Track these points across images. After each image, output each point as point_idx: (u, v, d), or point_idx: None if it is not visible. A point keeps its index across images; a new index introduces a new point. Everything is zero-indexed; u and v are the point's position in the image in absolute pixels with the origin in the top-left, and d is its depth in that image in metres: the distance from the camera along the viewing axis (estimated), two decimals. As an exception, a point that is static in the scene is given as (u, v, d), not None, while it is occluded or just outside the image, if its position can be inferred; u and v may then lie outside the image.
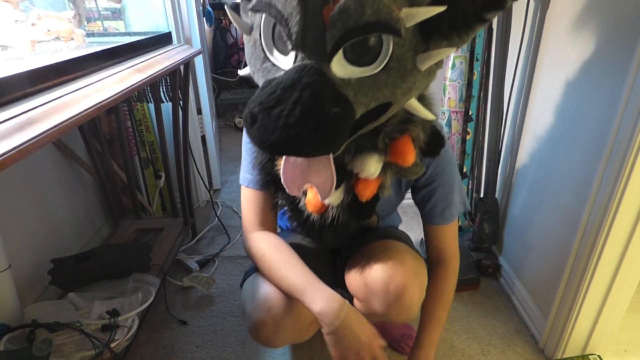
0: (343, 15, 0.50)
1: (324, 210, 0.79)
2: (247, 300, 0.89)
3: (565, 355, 1.11)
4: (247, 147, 0.88)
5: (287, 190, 0.69)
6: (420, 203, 0.90)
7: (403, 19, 0.52)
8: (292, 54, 0.55)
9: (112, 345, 0.92)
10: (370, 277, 0.82)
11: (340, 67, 0.54)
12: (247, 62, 0.66)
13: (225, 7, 0.64)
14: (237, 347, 1.18)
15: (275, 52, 0.59)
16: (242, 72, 0.72)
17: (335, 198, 0.73)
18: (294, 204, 0.83)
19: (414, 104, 0.64)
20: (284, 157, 0.66)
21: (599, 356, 1.10)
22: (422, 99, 0.69)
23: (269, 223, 0.90)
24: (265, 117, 0.52)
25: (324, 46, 0.52)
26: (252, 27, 0.61)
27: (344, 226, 0.81)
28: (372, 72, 0.55)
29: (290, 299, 0.81)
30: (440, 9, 0.52)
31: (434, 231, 0.92)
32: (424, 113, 0.65)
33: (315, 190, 0.71)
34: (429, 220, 0.91)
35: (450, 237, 0.92)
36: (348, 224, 0.81)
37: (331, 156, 0.62)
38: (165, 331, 1.24)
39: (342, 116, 0.54)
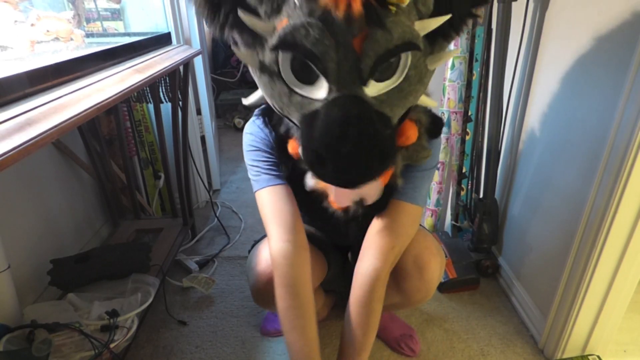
0: (375, 44, 0.53)
1: (347, 206, 0.82)
2: (249, 268, 0.95)
3: (565, 356, 1.11)
4: (253, 154, 0.85)
5: (338, 203, 0.74)
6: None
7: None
8: (324, 85, 0.57)
9: (112, 345, 0.92)
10: None
11: (370, 88, 0.58)
12: (268, 96, 0.65)
13: (232, 46, 0.63)
14: (237, 347, 1.18)
15: (299, 83, 0.60)
16: (248, 102, 0.73)
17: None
18: (316, 203, 0.84)
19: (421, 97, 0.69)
20: None
21: (598, 356, 1.10)
22: None
23: (294, 223, 0.84)
24: (336, 158, 0.56)
25: (359, 74, 0.56)
26: (261, 62, 0.61)
27: (364, 218, 0.85)
28: (395, 83, 0.59)
29: None
30: (447, 17, 0.57)
31: (390, 204, 0.84)
32: (429, 102, 0.70)
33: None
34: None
35: (407, 221, 0.84)
36: (367, 216, 0.85)
37: None
38: (164, 332, 1.24)
39: (393, 134, 0.60)
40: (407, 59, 0.58)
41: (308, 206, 0.87)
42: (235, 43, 0.64)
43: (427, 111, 0.77)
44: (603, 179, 0.91)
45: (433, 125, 0.78)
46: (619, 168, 0.86)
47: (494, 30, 1.29)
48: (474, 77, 1.41)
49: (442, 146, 1.49)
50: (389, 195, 0.82)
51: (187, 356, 1.15)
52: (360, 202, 0.80)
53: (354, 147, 0.55)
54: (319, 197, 0.82)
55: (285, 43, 0.55)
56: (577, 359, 1.10)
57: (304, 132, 0.60)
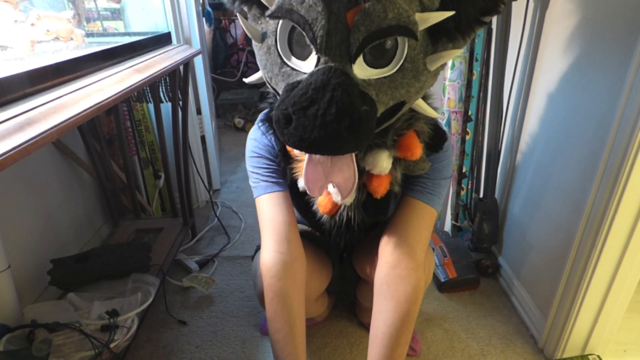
0: (367, 19, 0.53)
1: (335, 211, 0.80)
2: (254, 277, 0.94)
3: (565, 355, 1.11)
4: (254, 160, 0.84)
5: (308, 191, 0.70)
6: (410, 181, 0.84)
7: (418, 22, 0.56)
8: (314, 58, 0.58)
9: (112, 345, 0.92)
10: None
11: (360, 69, 0.57)
12: (261, 68, 0.67)
13: (238, 15, 0.66)
14: (237, 347, 1.18)
15: (293, 58, 0.61)
16: (249, 80, 0.73)
17: (350, 197, 0.73)
18: (308, 206, 0.83)
19: (421, 103, 0.67)
20: (306, 159, 0.67)
21: (598, 356, 1.10)
22: (426, 98, 0.72)
23: (288, 233, 0.81)
24: (301, 117, 0.54)
25: (347, 48, 0.55)
26: (263, 35, 0.63)
27: (359, 225, 0.82)
28: (389, 72, 0.58)
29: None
30: (450, 13, 0.56)
31: (409, 202, 0.81)
32: (430, 111, 0.68)
33: (327, 192, 0.74)
34: (409, 192, 0.82)
35: (424, 223, 0.80)
36: (363, 223, 0.82)
37: (353, 155, 0.65)
38: (164, 331, 1.24)
39: (371, 113, 0.57)
40: (404, 49, 0.57)
41: (305, 210, 0.86)
42: (245, 17, 0.66)
43: (433, 123, 0.75)
44: (603, 178, 0.91)
45: (436, 139, 0.76)
46: (619, 168, 0.86)
47: (494, 30, 1.29)
48: (474, 77, 1.41)
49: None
50: (388, 200, 0.79)
51: (187, 356, 1.16)
52: (347, 208, 0.76)
53: (324, 110, 0.53)
54: (310, 200, 0.81)
55: (281, 9, 0.56)
56: (577, 359, 1.10)
57: (281, 98, 0.58)
